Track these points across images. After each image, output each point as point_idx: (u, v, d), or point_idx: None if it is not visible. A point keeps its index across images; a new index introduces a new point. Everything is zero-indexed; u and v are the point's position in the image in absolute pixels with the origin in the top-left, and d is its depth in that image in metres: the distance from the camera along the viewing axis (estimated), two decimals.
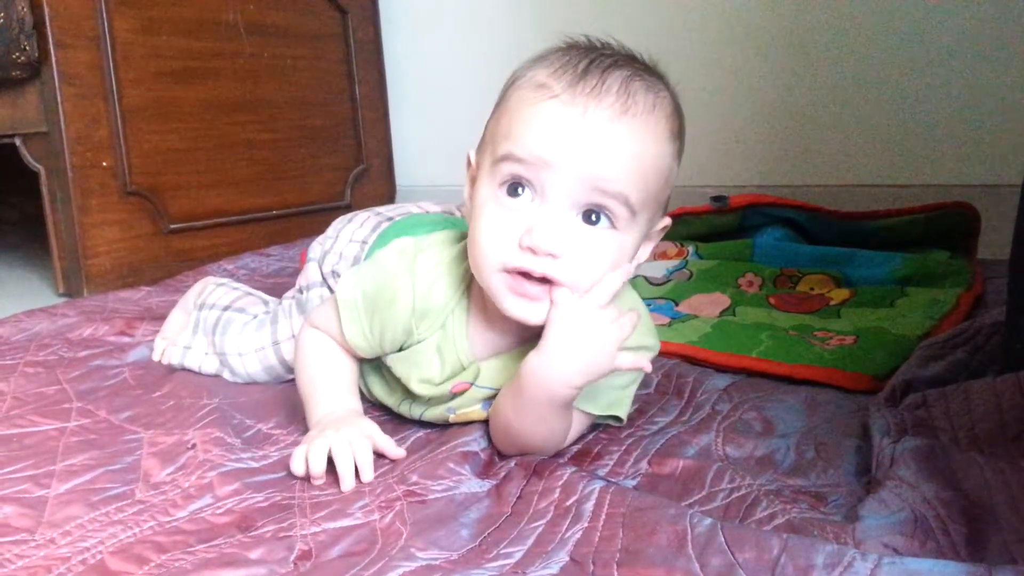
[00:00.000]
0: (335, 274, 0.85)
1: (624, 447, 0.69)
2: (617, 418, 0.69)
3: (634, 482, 0.64)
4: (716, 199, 1.28)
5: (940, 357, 0.78)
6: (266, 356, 0.84)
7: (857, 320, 1.01)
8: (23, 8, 1.28)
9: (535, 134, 0.59)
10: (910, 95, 1.48)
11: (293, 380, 0.76)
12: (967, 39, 1.42)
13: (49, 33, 1.31)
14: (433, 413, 0.72)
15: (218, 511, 0.59)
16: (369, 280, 0.69)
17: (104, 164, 1.38)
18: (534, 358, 0.61)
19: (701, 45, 1.63)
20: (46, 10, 1.30)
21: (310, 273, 0.88)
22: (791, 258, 1.21)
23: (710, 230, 1.31)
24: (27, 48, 1.28)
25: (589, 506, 0.57)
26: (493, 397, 0.69)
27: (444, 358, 0.68)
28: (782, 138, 1.60)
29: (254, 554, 0.53)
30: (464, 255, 0.67)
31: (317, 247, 0.90)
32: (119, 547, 0.55)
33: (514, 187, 0.60)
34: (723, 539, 0.51)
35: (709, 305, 1.08)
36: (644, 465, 0.67)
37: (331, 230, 0.90)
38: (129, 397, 0.82)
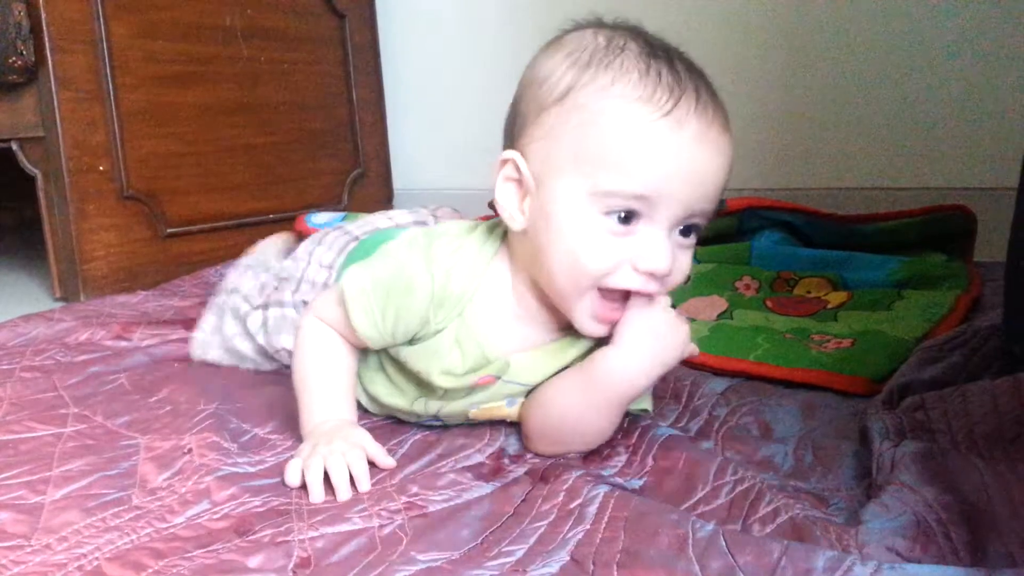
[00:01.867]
0: (305, 303, 0.84)
1: (631, 447, 0.69)
2: (645, 410, 0.71)
3: (641, 481, 0.64)
4: None
5: (937, 360, 0.78)
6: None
7: (854, 323, 1.01)
8: (20, 12, 1.27)
9: (653, 168, 0.58)
10: (909, 97, 1.48)
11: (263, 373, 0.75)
12: (967, 39, 1.42)
13: (46, 37, 1.30)
14: (453, 408, 0.71)
15: (215, 516, 0.59)
16: (381, 268, 0.67)
17: (101, 168, 1.38)
18: (614, 355, 0.63)
19: (700, 46, 1.61)
20: (43, 14, 1.30)
21: (272, 291, 0.88)
22: (788, 261, 1.21)
23: (708, 233, 1.30)
24: (24, 52, 1.28)
25: (592, 509, 0.57)
26: (518, 393, 0.69)
27: (464, 349, 0.67)
28: (780, 141, 1.61)
29: (253, 561, 0.53)
30: (483, 244, 0.67)
31: (290, 265, 0.89)
32: (116, 553, 0.55)
33: (624, 216, 0.59)
34: (724, 542, 0.51)
35: (706, 308, 1.08)
36: (650, 461, 0.67)
37: (302, 251, 0.90)
38: (126, 402, 0.81)
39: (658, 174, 0.58)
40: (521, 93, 0.64)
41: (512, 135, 0.65)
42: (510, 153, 0.63)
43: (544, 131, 0.61)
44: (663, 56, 0.60)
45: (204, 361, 0.92)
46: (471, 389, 0.69)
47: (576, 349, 0.68)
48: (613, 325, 0.63)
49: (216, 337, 0.91)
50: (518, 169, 0.62)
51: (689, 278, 1.18)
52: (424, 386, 0.70)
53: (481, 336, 0.66)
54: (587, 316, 0.63)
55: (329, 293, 0.71)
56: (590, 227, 0.60)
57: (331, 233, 0.91)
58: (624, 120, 0.58)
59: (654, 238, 0.60)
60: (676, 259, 0.61)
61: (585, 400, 0.65)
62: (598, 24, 0.64)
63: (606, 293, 0.62)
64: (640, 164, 0.58)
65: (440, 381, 0.67)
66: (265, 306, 0.88)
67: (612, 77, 0.59)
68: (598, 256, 0.60)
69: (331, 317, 0.69)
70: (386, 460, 0.66)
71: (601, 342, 0.65)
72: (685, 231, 0.62)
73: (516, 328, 0.67)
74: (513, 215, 0.63)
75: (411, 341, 0.68)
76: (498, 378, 0.68)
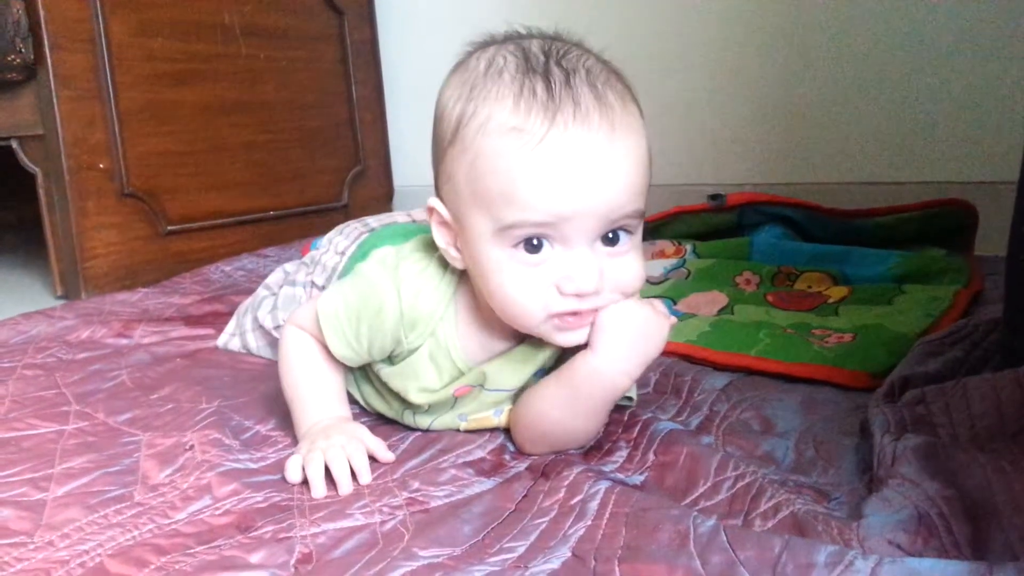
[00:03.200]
0: (314, 284, 0.87)
1: (632, 443, 0.69)
2: (629, 399, 0.71)
3: (642, 477, 0.65)
4: (713, 197, 1.28)
5: (938, 354, 0.78)
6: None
7: (855, 318, 1.01)
8: (18, 10, 1.27)
9: (544, 196, 0.56)
10: (908, 94, 1.48)
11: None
12: (967, 39, 1.42)
13: (45, 35, 1.30)
14: (442, 422, 0.72)
15: (217, 512, 0.59)
16: (351, 292, 0.67)
17: (101, 166, 1.38)
18: (592, 360, 0.62)
19: (699, 45, 1.63)
20: (42, 13, 1.30)
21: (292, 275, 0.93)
22: (789, 256, 1.21)
23: (708, 228, 1.31)
24: (23, 50, 1.28)
25: (594, 505, 0.57)
26: (504, 401, 0.69)
27: (439, 365, 0.67)
28: (780, 136, 1.60)
29: (255, 557, 0.53)
30: (447, 264, 0.66)
31: (315, 253, 0.93)
32: (118, 550, 0.55)
33: (532, 241, 0.58)
34: (725, 538, 0.51)
35: (707, 304, 1.08)
36: (651, 456, 0.67)
37: (325, 240, 0.92)
38: (127, 399, 0.81)
39: (552, 199, 0.56)
40: (433, 128, 0.64)
41: (434, 177, 0.65)
42: (432, 201, 0.64)
43: (448, 174, 0.61)
44: (539, 70, 0.58)
45: (226, 348, 0.97)
46: (453, 401, 0.69)
47: (545, 351, 0.68)
48: (586, 332, 0.62)
49: (237, 329, 0.96)
50: (441, 214, 0.63)
51: (689, 273, 1.19)
52: (406, 401, 0.70)
53: (453, 351, 0.67)
54: (552, 335, 0.62)
55: (307, 307, 0.71)
56: (506, 266, 0.59)
57: (352, 223, 0.92)
58: (503, 152, 0.57)
59: (572, 259, 0.58)
60: (613, 269, 0.59)
61: (569, 406, 0.65)
62: (488, 42, 0.63)
63: (565, 317, 0.61)
64: (531, 195, 0.56)
65: (417, 399, 0.68)
66: (280, 288, 0.92)
67: (489, 110, 0.58)
68: (526, 294, 0.59)
69: (311, 329, 0.70)
70: (385, 454, 0.66)
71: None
72: (611, 240, 0.59)
73: (485, 339, 0.67)
74: (452, 255, 0.64)
75: (390, 360, 0.69)
76: (480, 387, 0.68)
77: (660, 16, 1.66)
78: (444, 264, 0.67)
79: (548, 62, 0.59)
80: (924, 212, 1.25)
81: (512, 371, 0.68)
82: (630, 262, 0.61)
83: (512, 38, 0.62)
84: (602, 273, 0.59)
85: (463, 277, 0.66)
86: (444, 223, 0.63)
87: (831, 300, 1.08)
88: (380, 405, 0.75)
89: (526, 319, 0.61)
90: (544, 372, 0.69)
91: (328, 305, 0.67)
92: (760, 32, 1.58)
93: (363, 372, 0.74)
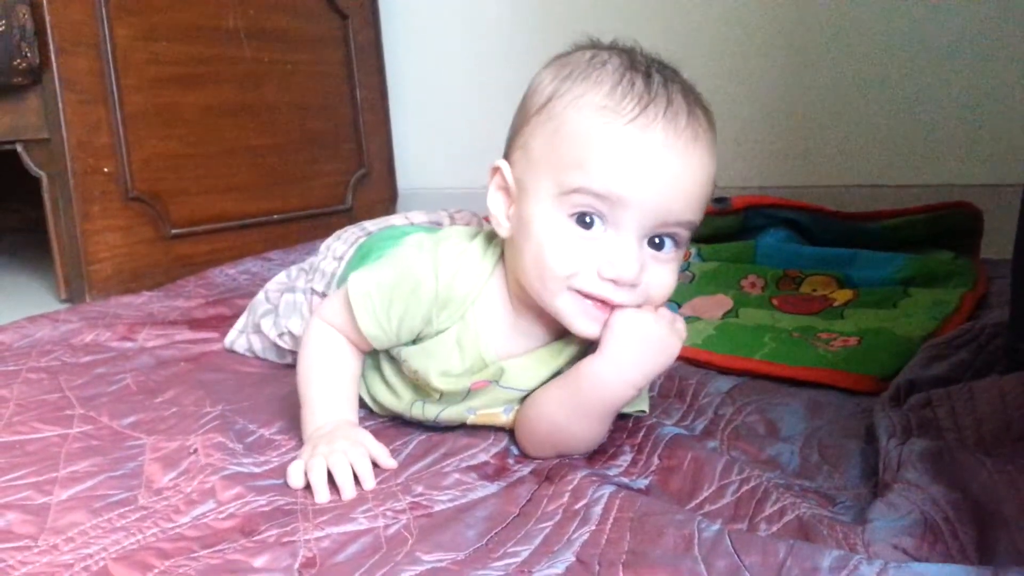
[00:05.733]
0: (314, 291, 0.87)
1: (637, 447, 0.69)
2: (642, 411, 0.71)
3: (646, 481, 0.64)
4: (718, 200, 1.28)
5: (944, 357, 0.78)
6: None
7: (860, 321, 1.00)
8: (24, 15, 1.28)
9: (614, 169, 0.58)
10: (910, 95, 1.48)
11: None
12: (967, 39, 1.42)
13: (50, 39, 1.31)
14: (451, 413, 0.71)
15: (221, 516, 0.59)
16: (387, 271, 0.68)
17: (105, 170, 1.38)
18: (598, 364, 0.63)
19: (700, 46, 1.63)
20: (47, 17, 1.30)
21: (292, 281, 0.93)
22: (794, 259, 1.21)
23: (712, 232, 1.31)
24: (28, 54, 1.28)
25: (598, 510, 0.57)
26: (515, 400, 0.69)
27: (464, 351, 0.67)
28: (783, 139, 1.60)
29: (258, 561, 0.53)
30: (486, 249, 0.68)
31: (313, 259, 0.93)
32: (122, 553, 0.55)
33: (584, 217, 0.60)
34: (729, 542, 0.51)
35: (712, 307, 1.08)
36: (655, 460, 0.67)
37: (323, 246, 0.93)
38: (131, 403, 0.81)
39: (619, 175, 0.58)
40: (521, 102, 0.67)
41: (507, 145, 0.67)
42: (498, 162, 0.66)
43: (524, 140, 0.64)
44: (642, 69, 0.61)
45: (232, 347, 0.98)
46: (467, 393, 0.69)
47: (566, 354, 0.68)
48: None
49: (246, 328, 0.97)
50: (505, 177, 0.64)
51: (694, 276, 1.19)
52: (420, 389, 0.70)
53: (480, 339, 0.67)
54: (573, 315, 0.62)
55: (335, 296, 0.72)
56: (556, 228, 0.60)
57: (350, 228, 0.93)
58: (588, 124, 0.59)
59: (619, 244, 0.59)
60: (651, 272, 0.61)
61: (572, 410, 0.65)
62: (593, 44, 0.65)
63: (586, 295, 0.61)
64: (600, 164, 0.58)
65: (438, 383, 0.68)
66: (280, 295, 0.92)
67: (585, 88, 0.60)
68: (561, 256, 0.60)
69: (337, 320, 0.70)
70: (388, 461, 0.66)
71: (591, 348, 0.66)
72: (658, 243, 0.61)
73: (511, 333, 0.68)
74: (500, 222, 0.65)
75: (414, 341, 0.69)
76: (495, 383, 0.68)
77: (660, 17, 1.66)
78: (481, 250, 0.68)
79: (651, 67, 0.62)
80: (930, 215, 1.25)
81: (531, 371, 0.68)
82: (667, 273, 0.62)
83: (617, 47, 0.64)
84: (644, 271, 0.60)
85: (498, 265, 0.67)
86: (503, 187, 0.65)
87: (836, 303, 1.08)
88: (388, 398, 0.74)
89: (549, 279, 0.61)
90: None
91: (360, 286, 0.68)
92: (761, 33, 1.58)
93: (373, 361, 0.74)
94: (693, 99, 0.61)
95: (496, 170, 0.65)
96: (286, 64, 1.69)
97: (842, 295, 1.11)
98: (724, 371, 0.88)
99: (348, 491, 0.62)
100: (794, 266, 1.19)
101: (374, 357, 0.73)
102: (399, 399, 0.73)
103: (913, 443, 0.61)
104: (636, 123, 0.58)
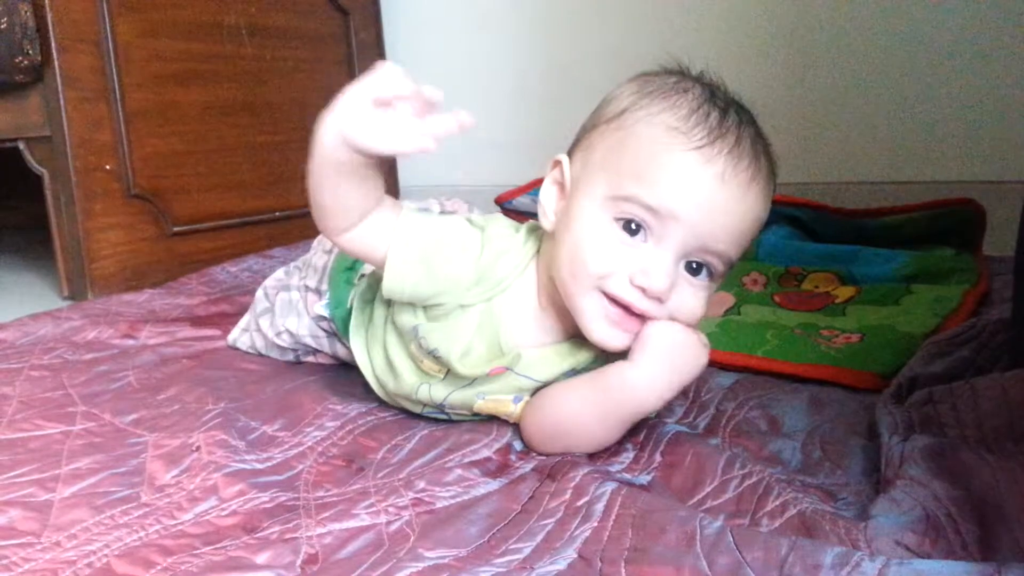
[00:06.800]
0: (307, 288, 0.87)
1: (639, 444, 0.69)
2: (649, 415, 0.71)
3: (648, 477, 0.64)
4: None
5: (946, 354, 0.78)
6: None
7: (863, 318, 1.00)
8: (26, 12, 1.28)
9: (670, 186, 0.60)
10: (910, 93, 1.48)
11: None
12: (967, 39, 1.41)
13: (52, 37, 1.31)
14: (459, 397, 0.71)
15: (223, 513, 0.59)
16: (438, 225, 0.68)
17: (107, 167, 1.38)
18: (630, 372, 0.64)
19: (701, 45, 1.62)
20: (49, 14, 1.30)
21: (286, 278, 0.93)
22: (796, 256, 1.21)
23: None
24: (30, 52, 1.28)
25: (600, 506, 0.57)
26: (527, 390, 0.69)
27: (484, 336, 0.68)
28: (783, 136, 1.59)
29: (261, 558, 0.53)
30: (525, 243, 0.69)
31: (306, 255, 0.92)
32: (125, 550, 0.55)
33: (631, 224, 0.61)
34: (731, 539, 0.51)
35: (714, 304, 1.08)
36: (657, 457, 0.67)
37: (315, 243, 0.92)
38: (133, 400, 0.82)
39: (673, 193, 0.60)
40: (596, 108, 0.68)
41: (572, 144, 0.68)
42: (560, 156, 0.67)
43: (590, 142, 0.65)
44: (720, 105, 0.62)
45: (235, 344, 0.98)
46: (484, 378, 0.69)
47: (584, 354, 0.68)
48: (625, 339, 0.64)
49: (249, 326, 0.97)
50: (563, 172, 0.66)
51: None
52: (423, 372, 0.70)
53: (501, 328, 0.67)
54: (593, 317, 0.63)
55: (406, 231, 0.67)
56: (599, 228, 0.62)
57: None
58: (655, 140, 0.61)
59: (657, 257, 0.61)
60: (682, 293, 0.62)
61: (593, 410, 0.66)
62: (681, 71, 0.66)
63: (613, 300, 0.62)
64: (658, 179, 0.60)
65: (459, 367, 0.67)
66: (276, 294, 0.92)
67: (662, 108, 0.62)
68: (598, 255, 0.62)
69: (382, 245, 0.66)
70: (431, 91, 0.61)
71: (610, 356, 0.66)
72: (695, 268, 0.62)
73: (532, 327, 0.68)
74: (547, 214, 0.67)
75: (429, 315, 0.68)
76: (510, 369, 0.68)
77: (660, 18, 1.66)
78: (522, 241, 0.69)
79: (729, 106, 0.63)
80: (932, 211, 1.24)
81: (548, 363, 0.68)
82: (697, 298, 0.63)
83: (703, 79, 0.66)
84: (674, 289, 0.61)
85: (533, 259, 0.69)
86: (559, 182, 0.67)
87: (838, 300, 1.08)
88: (390, 380, 0.73)
89: (581, 275, 0.62)
90: (575, 374, 0.69)
91: (405, 232, 0.66)
92: (761, 33, 1.58)
93: (378, 340, 0.73)
94: (761, 147, 0.63)
95: (556, 163, 0.67)
96: (287, 61, 1.69)
97: (844, 292, 1.11)
98: (726, 368, 0.88)
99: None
100: (796, 263, 1.19)
101: (379, 335, 0.73)
102: (406, 383, 0.72)
103: (915, 440, 0.61)
104: (701, 152, 0.60)
